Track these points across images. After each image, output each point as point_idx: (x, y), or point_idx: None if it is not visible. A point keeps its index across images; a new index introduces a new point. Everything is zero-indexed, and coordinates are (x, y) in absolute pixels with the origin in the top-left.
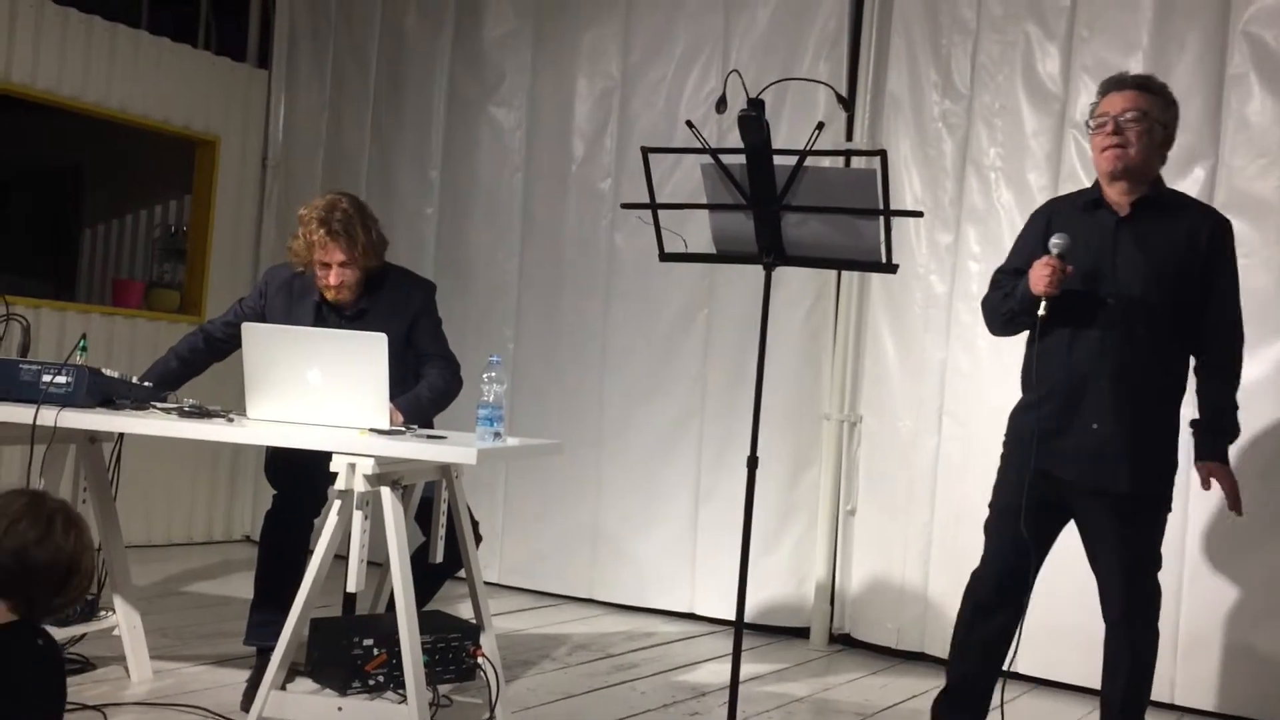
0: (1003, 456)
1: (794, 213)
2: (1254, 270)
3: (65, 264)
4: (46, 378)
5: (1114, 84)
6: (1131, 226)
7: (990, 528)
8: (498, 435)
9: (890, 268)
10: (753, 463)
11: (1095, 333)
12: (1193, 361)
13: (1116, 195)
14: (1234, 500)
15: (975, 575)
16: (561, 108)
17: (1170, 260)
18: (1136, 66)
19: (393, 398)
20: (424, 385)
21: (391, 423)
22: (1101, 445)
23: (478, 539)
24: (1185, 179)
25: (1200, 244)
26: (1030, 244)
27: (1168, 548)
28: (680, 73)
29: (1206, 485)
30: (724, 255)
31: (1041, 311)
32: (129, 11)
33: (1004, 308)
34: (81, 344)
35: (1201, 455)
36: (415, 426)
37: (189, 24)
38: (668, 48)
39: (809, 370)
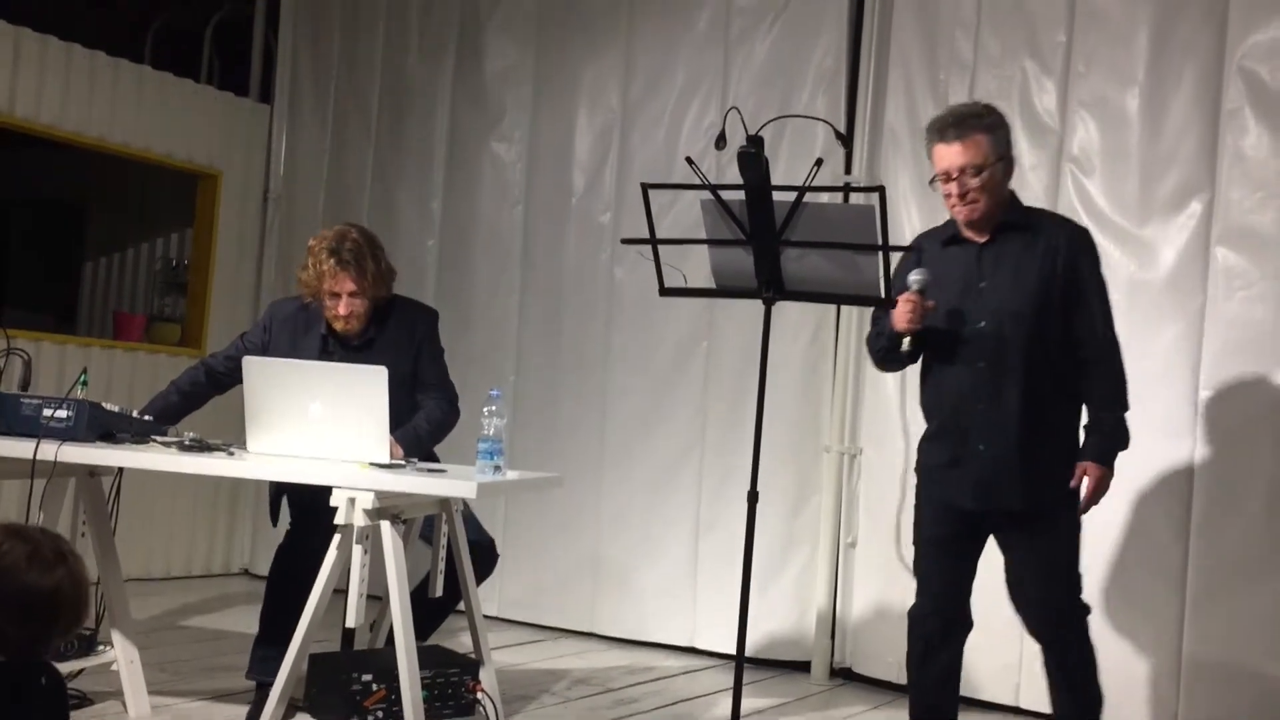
0: (916, 490)
1: (793, 248)
2: (1252, 303)
3: (66, 296)
4: (47, 412)
5: (938, 134)
6: (993, 250)
7: (919, 565)
8: (497, 469)
9: (890, 302)
10: (753, 498)
11: (971, 359)
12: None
13: (974, 231)
14: (1086, 503)
15: (916, 613)
16: (562, 141)
17: (1032, 274)
18: (1133, 101)
19: (396, 427)
20: (421, 417)
21: (391, 456)
22: (992, 467)
23: (495, 557)
24: (1182, 212)
25: (1059, 253)
26: (901, 282)
27: (1170, 577)
28: (680, 106)
29: (1076, 482)
30: (724, 290)
31: (905, 347)
32: (133, 46)
33: (876, 345)
34: (82, 378)
35: (1080, 455)
36: (415, 460)
37: (192, 59)
38: (667, 81)
39: (809, 402)
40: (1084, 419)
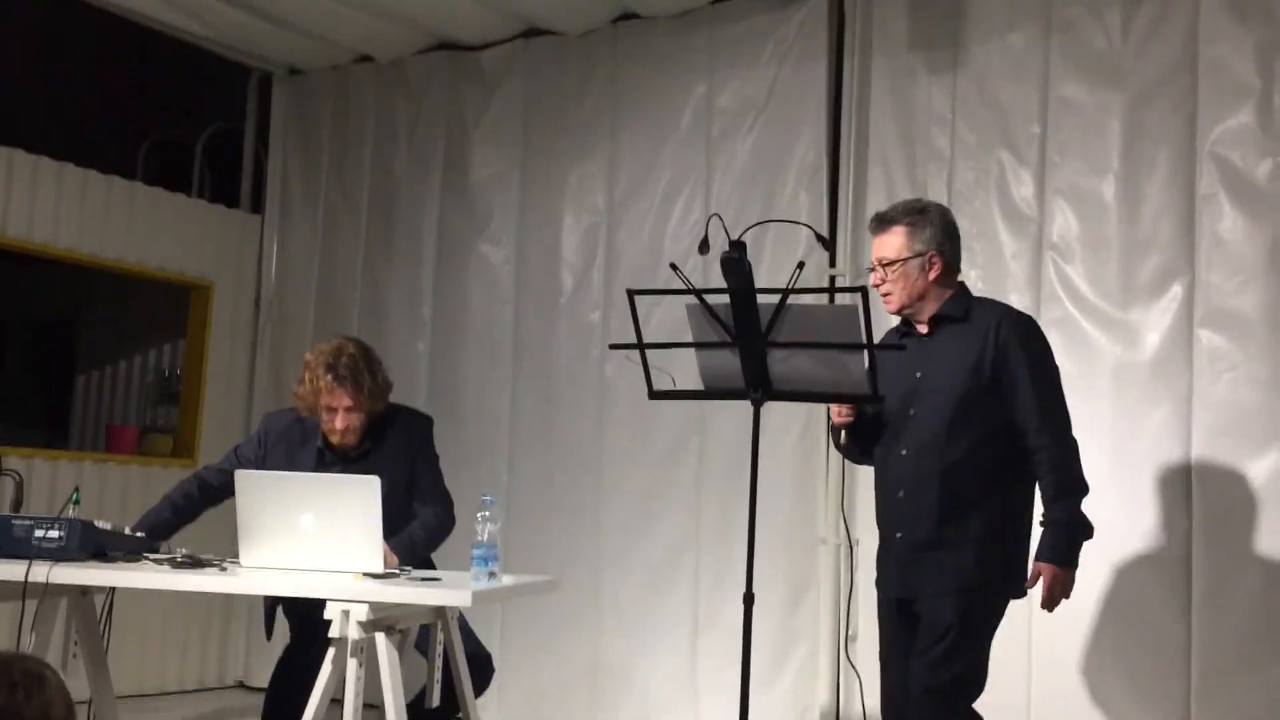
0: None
1: (779, 349)
2: (1239, 384)
3: (59, 411)
4: (39, 533)
5: (871, 226)
6: (931, 342)
7: (879, 655)
8: (492, 575)
9: (877, 399)
10: (748, 600)
11: (901, 448)
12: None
13: (918, 322)
14: (1044, 603)
15: (883, 703)
16: (549, 242)
17: (961, 364)
18: (1109, 188)
19: (390, 536)
20: (417, 525)
21: (385, 564)
22: (905, 554)
23: (491, 672)
24: (1164, 296)
25: (988, 342)
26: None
27: (1173, 660)
28: (664, 206)
29: (1031, 584)
30: (712, 392)
31: (842, 440)
32: (125, 162)
33: (833, 440)
34: (74, 496)
35: (1036, 555)
36: (409, 568)
37: (184, 172)
38: (651, 182)
39: (803, 495)
40: (1016, 524)
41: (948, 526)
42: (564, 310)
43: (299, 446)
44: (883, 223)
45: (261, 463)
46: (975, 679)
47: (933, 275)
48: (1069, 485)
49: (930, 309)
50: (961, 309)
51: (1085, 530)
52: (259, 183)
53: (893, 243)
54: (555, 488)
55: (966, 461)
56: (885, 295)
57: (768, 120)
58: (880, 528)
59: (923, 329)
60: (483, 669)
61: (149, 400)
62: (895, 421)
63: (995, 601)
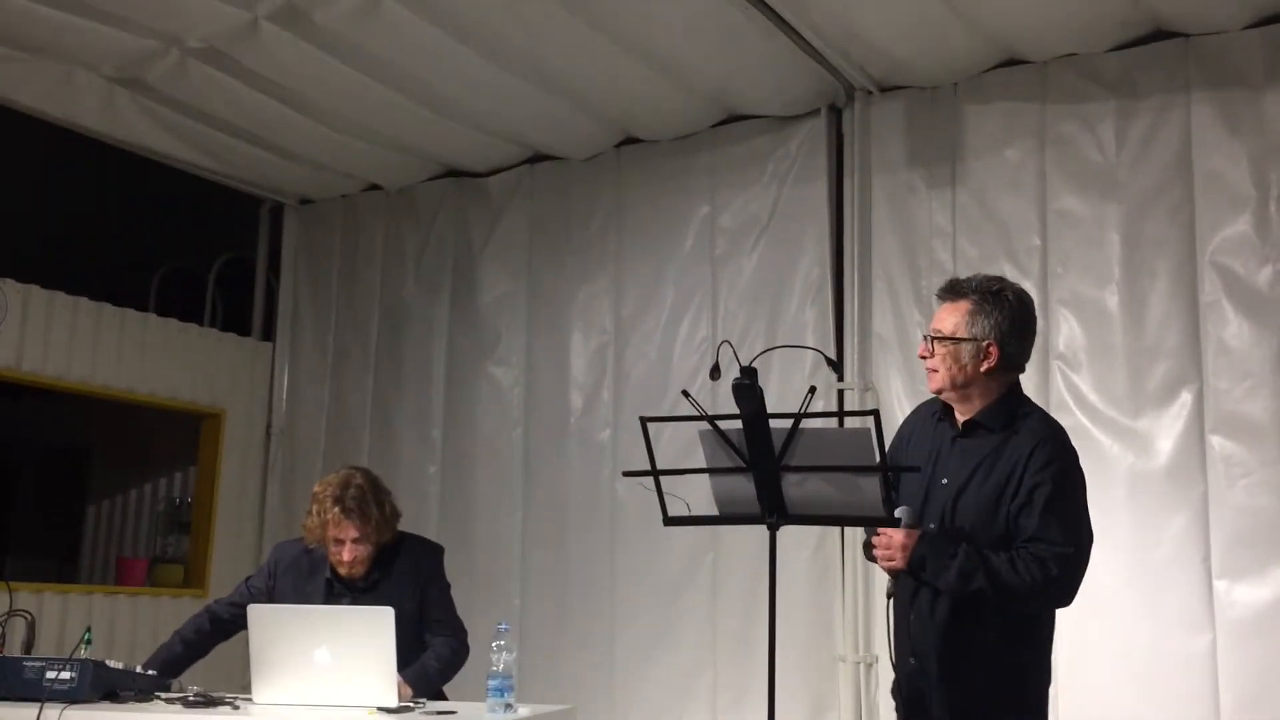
0: None
1: (794, 473)
2: (1254, 490)
3: (69, 543)
4: (50, 674)
5: (940, 291)
6: (961, 445)
7: None
8: (509, 706)
9: (893, 521)
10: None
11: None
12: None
13: (957, 411)
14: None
15: None
16: (558, 363)
17: (989, 484)
18: (1111, 298)
19: (403, 666)
20: (431, 655)
21: (400, 697)
22: (916, 681)
23: None
24: (1174, 403)
25: (1020, 466)
26: (894, 453)
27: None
28: (671, 324)
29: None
30: (727, 517)
31: (889, 591)
32: (138, 292)
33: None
34: (86, 636)
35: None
36: (424, 700)
37: (196, 301)
38: (658, 301)
39: (820, 612)
40: (1033, 647)
41: (960, 654)
42: (574, 430)
43: (307, 577)
44: (951, 292)
45: (270, 593)
46: None
47: (985, 367)
48: (992, 569)
49: (974, 405)
50: (1001, 419)
51: (955, 577)
52: (270, 311)
53: (951, 318)
54: (569, 610)
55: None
56: (929, 370)
57: (771, 239)
58: (894, 650)
59: (960, 419)
60: None
61: (159, 529)
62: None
63: None
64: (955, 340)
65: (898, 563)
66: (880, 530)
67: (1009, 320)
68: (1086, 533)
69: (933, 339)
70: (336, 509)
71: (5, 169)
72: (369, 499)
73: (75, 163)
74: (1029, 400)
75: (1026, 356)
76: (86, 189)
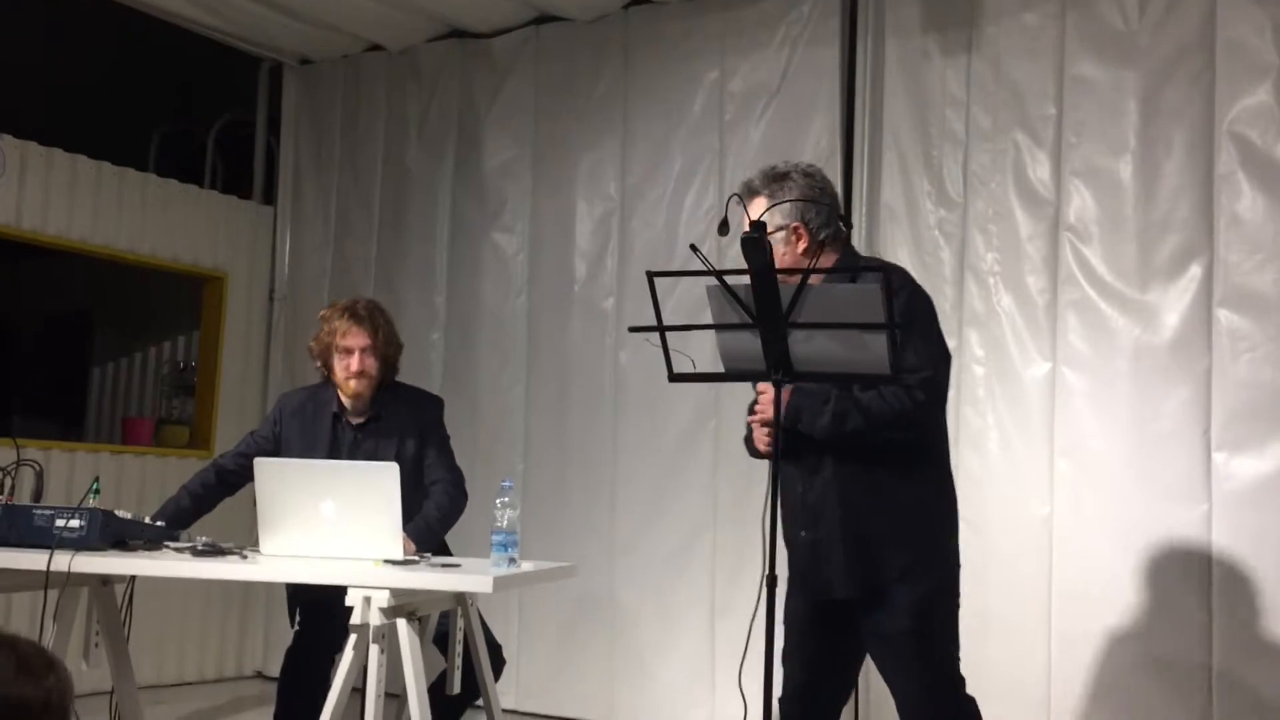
0: None
1: (801, 329)
2: (1258, 364)
3: (75, 404)
4: (60, 522)
5: (737, 195)
6: None
7: (783, 652)
8: (512, 561)
9: (896, 380)
10: (771, 581)
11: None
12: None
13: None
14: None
15: (780, 700)
16: (563, 230)
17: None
18: (1125, 168)
19: (404, 513)
20: (431, 506)
21: (405, 553)
22: (810, 552)
23: (501, 663)
24: (1183, 276)
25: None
26: None
27: (1194, 642)
28: (678, 191)
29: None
30: (733, 374)
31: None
32: (137, 154)
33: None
34: (94, 486)
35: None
36: (428, 554)
37: (196, 164)
38: (665, 168)
39: None
40: (925, 482)
41: (863, 514)
42: (578, 298)
43: (312, 419)
44: (746, 194)
45: (276, 440)
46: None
47: (802, 248)
48: (888, 410)
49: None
50: (844, 278)
51: (846, 423)
52: (271, 174)
53: (756, 215)
54: (571, 475)
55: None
56: None
57: (781, 105)
58: (783, 525)
59: None
60: (494, 658)
61: (165, 392)
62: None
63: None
64: (775, 230)
65: (767, 413)
66: (759, 387)
67: (801, 198)
68: (941, 355)
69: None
70: (347, 316)
71: (5, 24)
72: (377, 313)
73: (74, 19)
74: (863, 256)
75: (835, 219)
76: (85, 46)
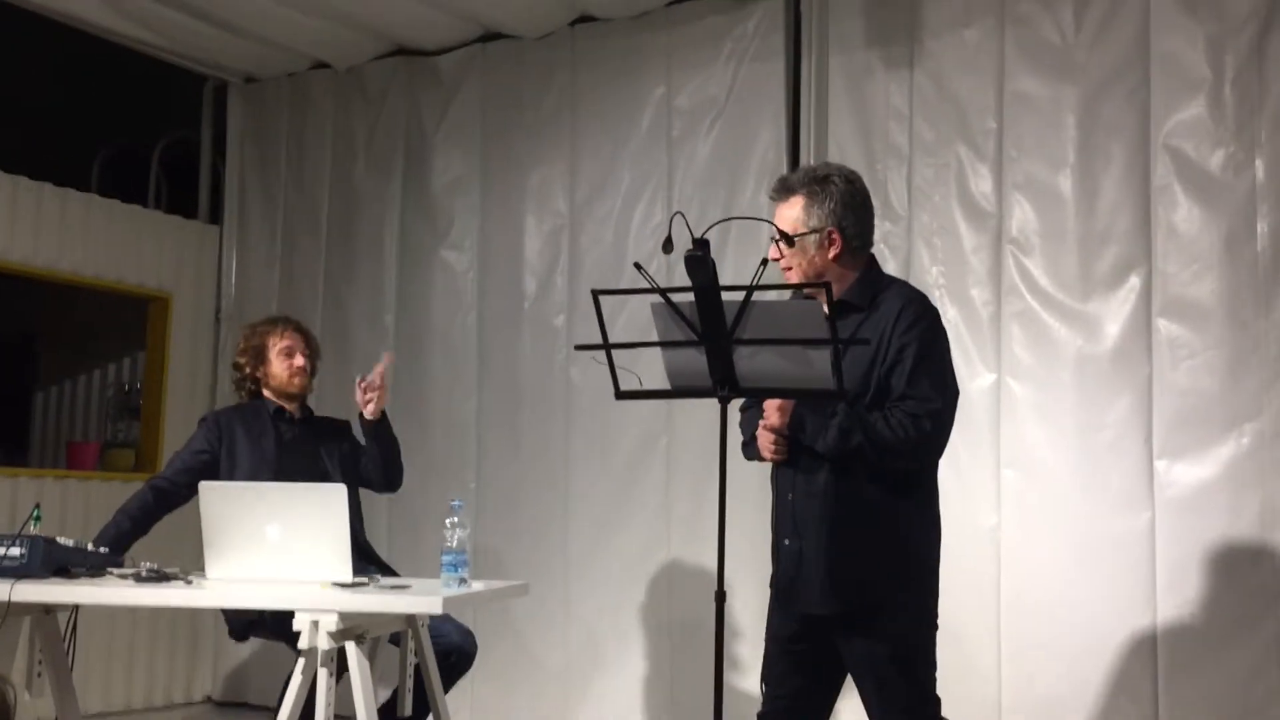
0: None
1: (745, 346)
2: (1197, 372)
3: (17, 428)
4: (0, 550)
5: (771, 192)
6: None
7: (764, 666)
8: (463, 581)
9: (842, 395)
10: (720, 598)
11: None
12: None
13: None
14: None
15: (760, 715)
16: (512, 247)
17: (863, 361)
18: (1065, 182)
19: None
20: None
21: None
22: (793, 562)
23: (475, 648)
24: (1122, 287)
25: (887, 333)
26: None
27: (1141, 651)
28: (627, 207)
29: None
30: (679, 390)
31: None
32: (80, 174)
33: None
34: (35, 513)
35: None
36: (377, 576)
37: (140, 184)
38: (613, 184)
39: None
40: (913, 505)
41: (855, 533)
42: (528, 315)
43: (253, 419)
44: (783, 190)
45: (216, 452)
46: None
47: (833, 254)
48: (892, 437)
49: (837, 290)
50: (867, 296)
51: (850, 441)
52: (216, 193)
53: (790, 215)
54: (524, 494)
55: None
56: (785, 270)
57: (727, 120)
58: (775, 532)
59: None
60: (466, 655)
61: (110, 415)
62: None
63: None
64: (798, 236)
65: (774, 421)
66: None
67: (841, 203)
68: (952, 388)
69: (778, 241)
70: (280, 324)
71: None
72: (304, 325)
73: (13, 37)
74: (887, 275)
75: (870, 231)
76: (25, 65)
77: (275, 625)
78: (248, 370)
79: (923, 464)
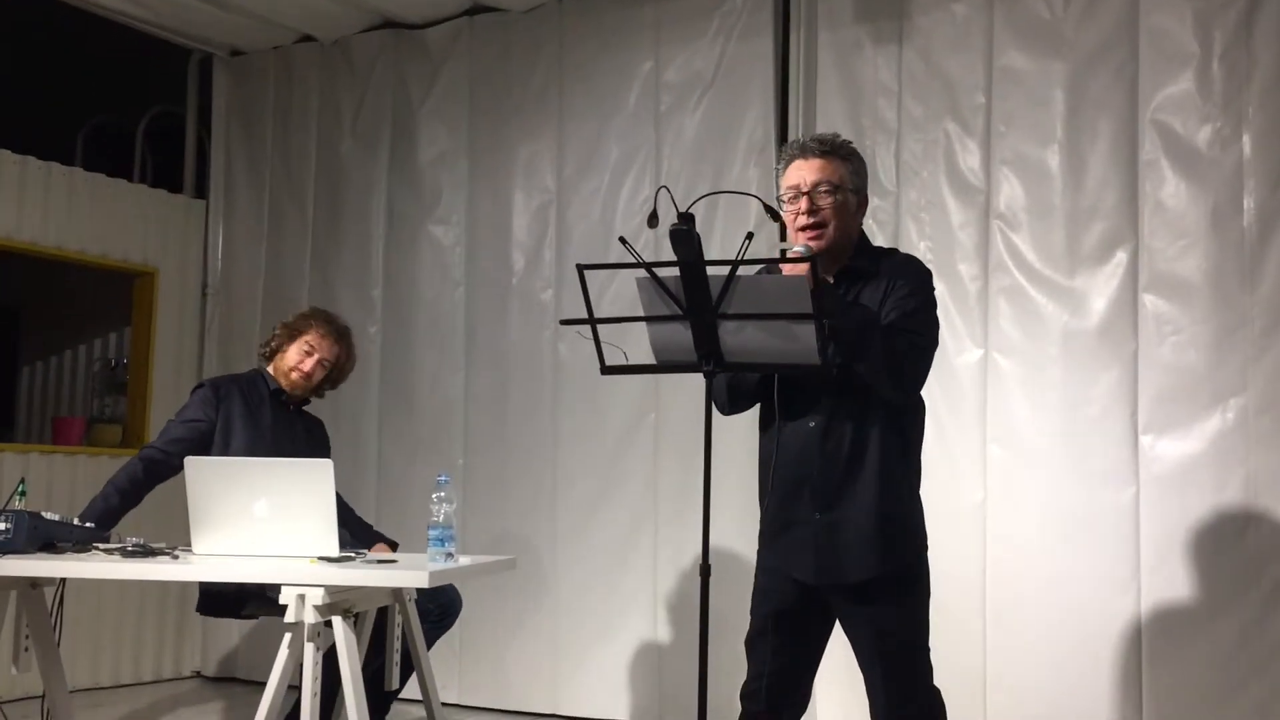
0: (757, 554)
1: (730, 320)
2: (1182, 348)
3: (3, 404)
4: None
5: (799, 150)
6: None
7: (751, 640)
8: (450, 555)
9: (826, 369)
10: (705, 571)
11: (807, 419)
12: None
13: (820, 270)
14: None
15: (745, 691)
16: (499, 222)
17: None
18: (1053, 157)
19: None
20: None
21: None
22: (826, 534)
23: (459, 604)
24: (1109, 262)
25: (889, 291)
26: None
27: (1125, 627)
28: (614, 183)
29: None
30: (664, 365)
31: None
32: (65, 148)
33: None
34: (20, 488)
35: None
36: (364, 551)
37: (125, 158)
38: (601, 159)
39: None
40: (913, 476)
41: (877, 500)
42: (516, 290)
43: (249, 390)
44: (826, 153)
45: (213, 421)
46: None
47: (860, 218)
48: (912, 350)
49: (842, 260)
50: (871, 261)
51: (853, 321)
52: (202, 167)
53: (836, 170)
54: (511, 467)
55: (890, 428)
56: (817, 228)
57: (715, 95)
58: (784, 503)
59: (829, 270)
60: (451, 608)
61: (96, 390)
62: (802, 391)
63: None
64: (847, 190)
65: (804, 270)
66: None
67: (865, 172)
68: (933, 339)
69: (824, 191)
70: (331, 327)
71: None
72: (352, 345)
73: None
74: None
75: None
76: (8, 38)
77: (235, 605)
78: (273, 344)
79: (903, 391)
